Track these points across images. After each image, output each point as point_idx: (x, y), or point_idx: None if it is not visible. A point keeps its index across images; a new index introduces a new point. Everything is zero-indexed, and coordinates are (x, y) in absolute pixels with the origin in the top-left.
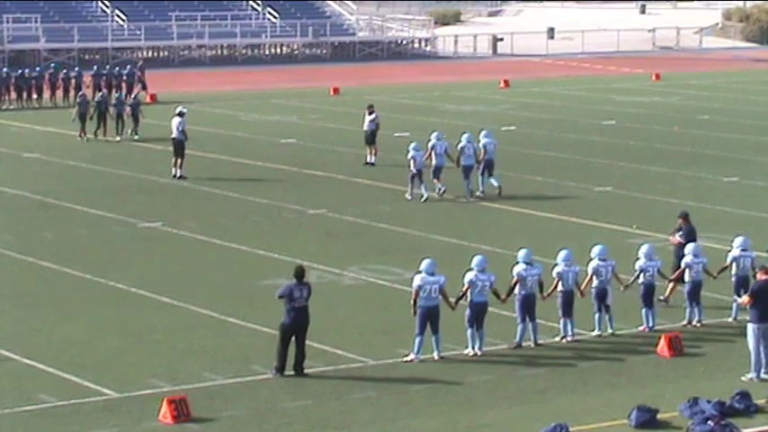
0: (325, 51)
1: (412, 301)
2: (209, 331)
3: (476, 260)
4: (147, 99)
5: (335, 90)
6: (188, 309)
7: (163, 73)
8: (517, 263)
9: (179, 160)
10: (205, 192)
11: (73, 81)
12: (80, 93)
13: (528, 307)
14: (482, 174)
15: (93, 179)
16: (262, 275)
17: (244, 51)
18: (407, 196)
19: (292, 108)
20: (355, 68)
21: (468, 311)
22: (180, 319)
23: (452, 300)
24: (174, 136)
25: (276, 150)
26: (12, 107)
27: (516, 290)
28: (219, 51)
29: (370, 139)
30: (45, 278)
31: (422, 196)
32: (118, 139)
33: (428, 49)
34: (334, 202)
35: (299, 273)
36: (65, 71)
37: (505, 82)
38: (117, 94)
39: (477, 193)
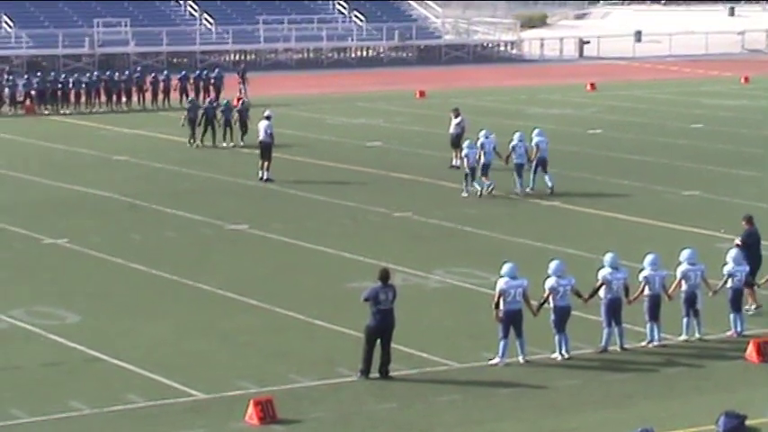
0: (410, 54)
1: (495, 304)
2: (295, 334)
3: (553, 266)
4: (234, 102)
5: (421, 93)
6: (274, 311)
7: (250, 76)
8: (603, 266)
9: (266, 163)
10: (291, 194)
11: (161, 84)
12: (189, 98)
13: (614, 311)
14: (534, 171)
15: (181, 181)
16: (347, 278)
17: (330, 55)
18: (463, 194)
19: (378, 111)
20: (441, 72)
21: (552, 316)
22: (267, 321)
23: (535, 304)
24: (261, 139)
25: (362, 153)
26: (101, 110)
27: (602, 294)
28: (306, 55)
29: (456, 142)
30: (133, 280)
31: (477, 192)
32: (224, 145)
33: (514, 52)
34: (419, 204)
35: (385, 275)
36: (153, 74)
37: (592, 85)
38: (224, 101)
39: (528, 190)
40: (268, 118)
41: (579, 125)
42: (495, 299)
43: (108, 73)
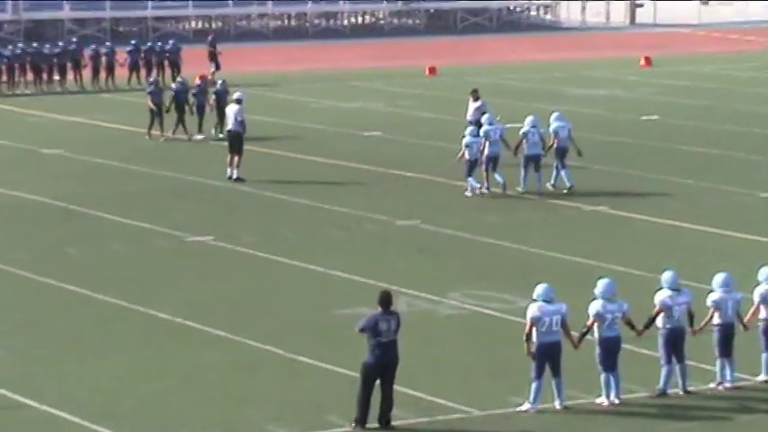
0: (418, 22)
1: (526, 335)
2: (273, 373)
3: (601, 286)
4: (197, 81)
5: (431, 70)
6: (247, 344)
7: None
8: (661, 288)
9: (236, 158)
10: (268, 197)
11: (104, 59)
12: (151, 79)
13: (674, 344)
14: (557, 167)
15: (130, 181)
16: (338, 303)
17: (316, 22)
18: (467, 193)
19: (377, 93)
20: (456, 42)
21: (597, 350)
22: (237, 357)
23: (576, 335)
24: (230, 128)
25: (357, 146)
26: (28, 91)
27: (659, 322)
28: (286, 21)
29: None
30: (69, 306)
31: (474, 190)
32: (199, 138)
33: (548, 17)
34: (429, 210)
35: (386, 300)
36: (93, 47)
37: (646, 59)
38: (199, 81)
39: (548, 185)
40: (238, 102)
41: (630, 110)
42: (527, 329)
43: (36, 45)
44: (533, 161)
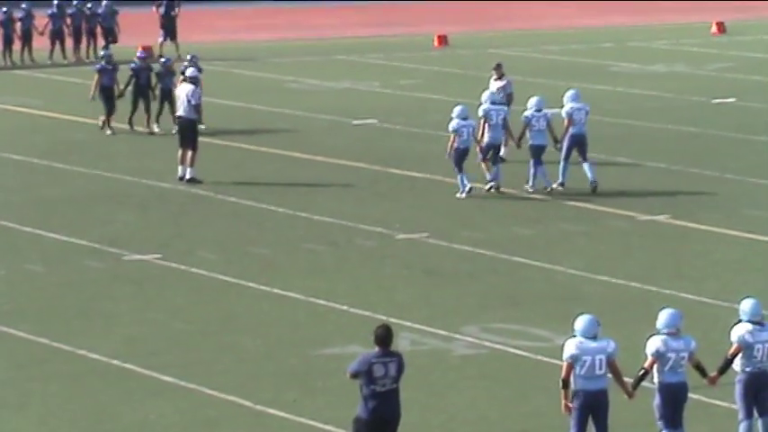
0: None
1: (562, 381)
2: (236, 429)
3: (663, 318)
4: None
5: (441, 39)
6: (203, 393)
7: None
8: (739, 321)
9: (189, 153)
10: (231, 204)
11: (18, 25)
12: (103, 52)
13: (756, 393)
14: (565, 158)
15: (52, 184)
16: (321, 340)
17: None
18: (460, 195)
19: (371, 69)
20: (473, 5)
21: (657, 399)
22: (191, 408)
23: (629, 381)
24: (180, 114)
25: (346, 137)
26: None
27: (737, 365)
28: None
29: None
30: None
31: (465, 190)
32: (156, 130)
33: None
34: (438, 220)
35: (383, 337)
36: (4, 10)
37: (719, 26)
38: (164, 59)
39: (555, 186)
40: (193, 81)
41: (698, 90)
42: (564, 373)
43: None
44: (537, 153)
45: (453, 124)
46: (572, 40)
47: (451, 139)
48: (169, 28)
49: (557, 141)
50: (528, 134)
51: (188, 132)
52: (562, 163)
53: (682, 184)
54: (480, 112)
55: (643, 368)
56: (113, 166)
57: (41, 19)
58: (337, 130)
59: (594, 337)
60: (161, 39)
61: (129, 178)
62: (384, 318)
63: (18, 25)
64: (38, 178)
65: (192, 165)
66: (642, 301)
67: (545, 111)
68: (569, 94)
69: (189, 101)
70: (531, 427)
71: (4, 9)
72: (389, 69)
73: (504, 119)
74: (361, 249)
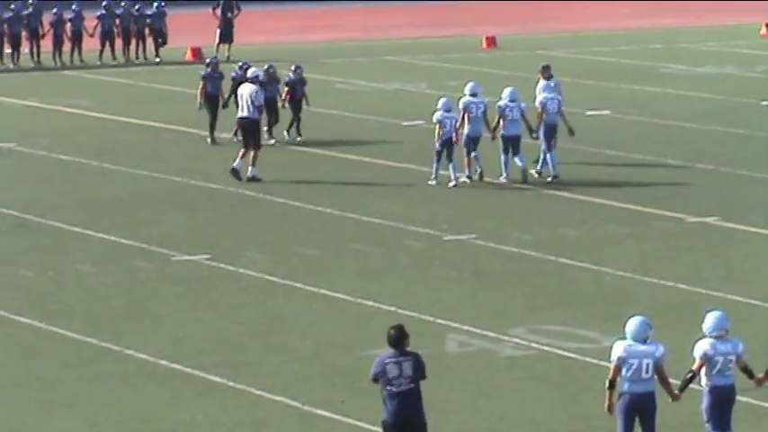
0: None
1: (608, 382)
2: (284, 430)
3: (710, 321)
4: (189, 56)
5: (489, 41)
6: (251, 393)
7: (205, 14)
8: None
9: (251, 152)
10: (280, 205)
11: (68, 26)
12: (209, 59)
13: None
14: (548, 148)
15: (101, 184)
16: (369, 341)
17: None
18: (431, 182)
19: (421, 70)
20: (522, 5)
21: (705, 402)
22: (238, 409)
23: (676, 384)
24: (244, 114)
25: (395, 138)
26: None
27: None
28: None
29: None
30: (24, 344)
31: (450, 180)
32: (271, 142)
33: None
34: (486, 222)
35: (395, 337)
36: (54, 11)
37: None
38: (268, 66)
39: (532, 172)
40: (258, 82)
41: (748, 92)
42: (611, 374)
43: None
44: (511, 143)
45: (437, 116)
46: (621, 41)
47: (437, 129)
48: (226, 30)
49: (532, 131)
50: (501, 124)
51: (252, 131)
52: (549, 155)
53: (731, 185)
54: (461, 105)
55: (691, 371)
56: (162, 166)
57: (90, 20)
58: (386, 131)
59: (645, 341)
60: (217, 40)
61: (179, 179)
62: (430, 319)
63: (68, 26)
64: (87, 179)
65: (254, 164)
66: (690, 302)
67: (518, 102)
68: (542, 84)
69: (252, 101)
70: (578, 428)
71: (55, 10)
72: (438, 70)
73: (485, 112)
74: (410, 250)
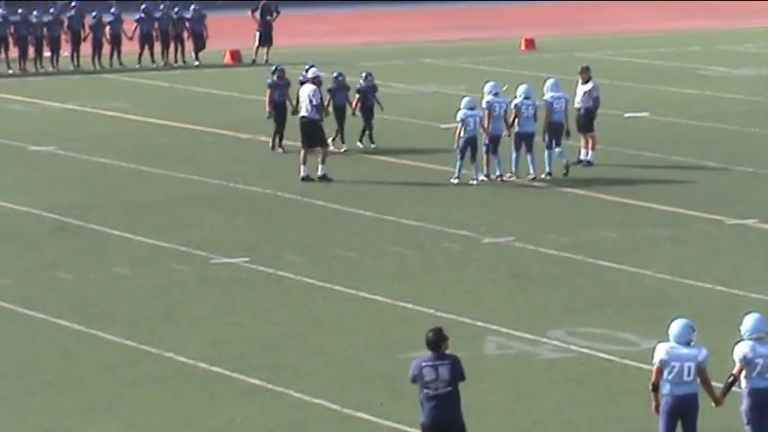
0: None
1: (651, 385)
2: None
3: (749, 323)
4: (228, 59)
5: (528, 43)
6: (290, 396)
7: (244, 17)
8: None
9: (319, 151)
10: (318, 207)
11: (108, 29)
12: (275, 67)
13: None
14: (548, 146)
15: (140, 187)
16: (408, 344)
17: None
18: (453, 180)
19: (458, 72)
20: (561, 7)
21: (744, 404)
22: (278, 411)
23: (718, 387)
24: (303, 114)
25: (432, 141)
26: (11, 72)
27: None
28: None
29: (586, 122)
30: (64, 346)
31: (473, 179)
32: (344, 149)
33: None
34: (524, 223)
35: (434, 340)
36: (94, 14)
37: None
38: (336, 73)
39: (543, 176)
40: (315, 81)
41: None
42: (653, 377)
43: (21, 12)
44: (525, 140)
45: (460, 114)
46: (659, 43)
47: (459, 128)
48: (265, 33)
49: (567, 132)
50: (519, 122)
51: (313, 131)
52: (546, 152)
53: None
54: (484, 104)
55: (732, 375)
56: (201, 169)
57: (129, 23)
58: (424, 133)
59: (688, 344)
60: (256, 43)
61: (217, 182)
62: (469, 321)
63: (107, 29)
64: (125, 181)
65: (323, 162)
66: (729, 305)
67: (533, 99)
68: (550, 82)
69: (311, 101)
70: (617, 430)
71: (94, 13)
72: (476, 73)
73: (506, 111)
74: (448, 253)
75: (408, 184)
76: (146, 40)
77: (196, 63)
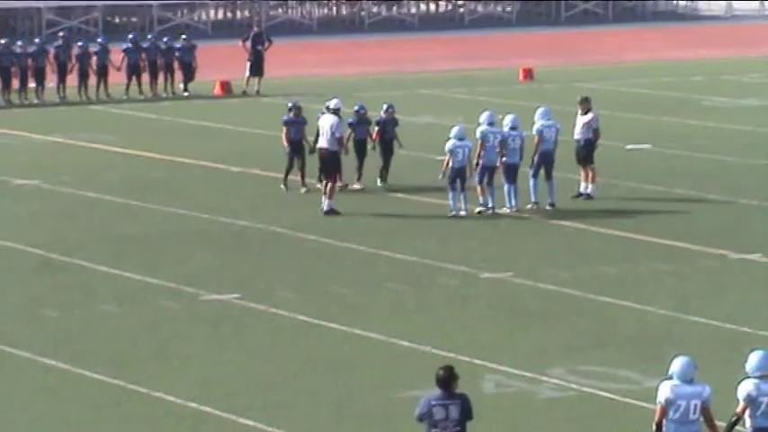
0: (509, 9)
1: (655, 426)
2: None
3: (754, 361)
4: (218, 89)
5: (526, 73)
6: None
7: (234, 46)
8: None
9: (329, 184)
10: (311, 242)
11: (94, 59)
12: (291, 104)
13: None
14: (534, 175)
15: (128, 222)
16: (404, 382)
17: (374, 10)
18: (452, 213)
19: (456, 103)
20: (559, 37)
21: None
22: None
23: (721, 426)
24: (323, 145)
25: (429, 173)
26: None
27: None
28: (334, 10)
29: (585, 154)
30: (48, 385)
31: (462, 210)
32: (358, 186)
33: (683, 4)
34: (524, 258)
35: (445, 379)
36: (80, 44)
37: None
38: (358, 105)
39: (529, 206)
40: (336, 112)
41: None
42: (657, 416)
43: (4, 41)
44: (512, 171)
45: (449, 144)
46: (662, 73)
47: (446, 159)
48: (256, 63)
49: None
50: (505, 152)
51: (331, 164)
52: (531, 181)
53: None
54: (477, 134)
55: (735, 414)
56: (190, 203)
57: (116, 53)
58: (419, 165)
59: (691, 381)
60: (247, 74)
61: (206, 216)
62: (466, 359)
63: (94, 60)
64: (112, 216)
65: (331, 197)
66: (735, 342)
67: (520, 130)
68: (540, 111)
69: (333, 133)
70: None
71: (80, 43)
72: (473, 104)
73: (501, 142)
74: (445, 289)
75: (403, 217)
76: (133, 70)
77: (185, 94)
